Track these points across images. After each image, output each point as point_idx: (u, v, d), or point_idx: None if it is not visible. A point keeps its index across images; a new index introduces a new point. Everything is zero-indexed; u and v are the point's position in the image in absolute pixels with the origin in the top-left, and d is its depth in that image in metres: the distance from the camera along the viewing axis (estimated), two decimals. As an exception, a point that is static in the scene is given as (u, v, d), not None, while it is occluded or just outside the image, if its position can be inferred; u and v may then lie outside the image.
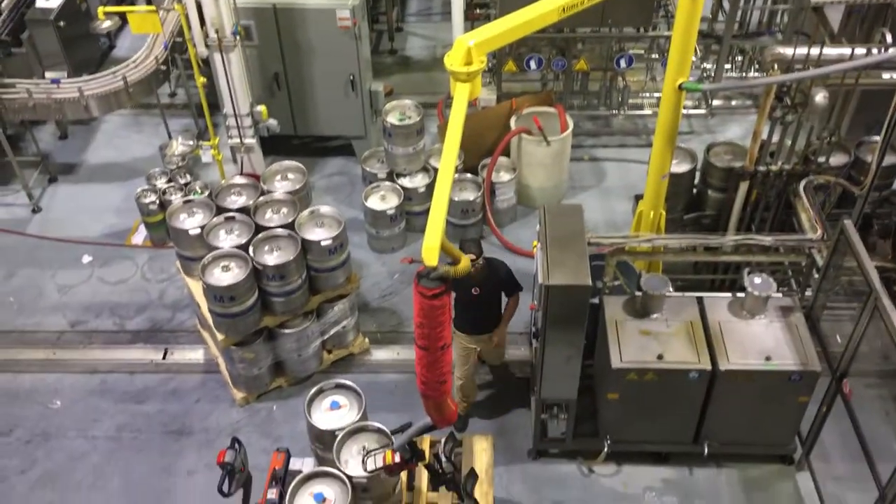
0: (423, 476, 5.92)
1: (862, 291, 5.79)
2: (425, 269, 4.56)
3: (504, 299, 6.81)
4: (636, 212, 7.23)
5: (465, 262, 4.82)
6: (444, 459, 5.46)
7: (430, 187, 9.02)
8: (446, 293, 4.60)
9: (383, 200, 8.87)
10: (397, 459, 5.17)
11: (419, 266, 4.61)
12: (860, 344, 5.91)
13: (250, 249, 6.90)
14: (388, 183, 8.98)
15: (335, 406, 5.73)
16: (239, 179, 7.75)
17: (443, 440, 5.52)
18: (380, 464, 5.18)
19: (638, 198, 7.84)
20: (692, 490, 6.82)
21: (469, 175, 9.11)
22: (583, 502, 6.74)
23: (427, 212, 9.62)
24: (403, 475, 5.83)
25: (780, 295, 6.64)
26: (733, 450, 6.87)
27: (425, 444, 5.64)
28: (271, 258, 6.91)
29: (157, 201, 8.61)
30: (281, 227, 7.07)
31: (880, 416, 6.96)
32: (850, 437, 6.03)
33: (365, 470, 5.26)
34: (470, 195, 8.92)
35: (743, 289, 6.55)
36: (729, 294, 6.77)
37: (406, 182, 9.02)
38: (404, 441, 5.25)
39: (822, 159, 7.18)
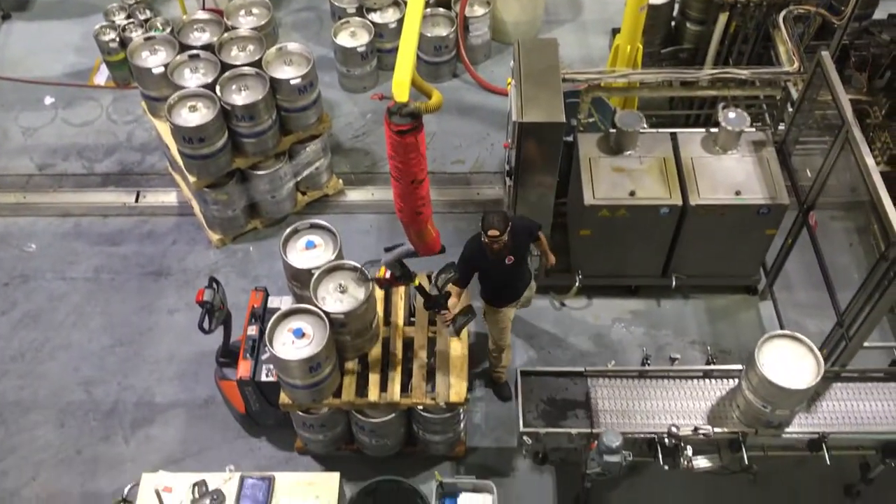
0: (399, 312, 6.09)
1: (834, 125, 5.80)
2: (395, 105, 4.47)
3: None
4: (613, 46, 7.07)
5: (438, 97, 4.69)
6: (435, 285, 5.53)
7: (402, 23, 8.70)
8: (417, 130, 4.53)
9: (353, 37, 8.59)
10: (388, 275, 5.31)
11: (390, 102, 4.52)
12: (829, 177, 5.98)
13: (217, 89, 6.72)
14: (357, 18, 8.66)
15: (310, 245, 5.78)
16: (201, 15, 7.44)
17: (436, 271, 5.58)
18: (373, 276, 5.34)
19: (615, 31, 7.65)
20: (659, 320, 7.09)
21: (442, 9, 8.79)
22: (555, 335, 7.00)
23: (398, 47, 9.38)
24: (381, 310, 5.99)
25: (753, 130, 6.64)
26: (700, 282, 7.09)
27: (424, 278, 5.71)
28: (239, 98, 6.74)
29: (118, 39, 8.28)
30: (248, 65, 6.86)
31: (844, 246, 7.18)
32: (813, 267, 6.22)
33: (363, 279, 5.40)
34: (443, 31, 8.65)
35: (717, 124, 6.54)
36: (703, 130, 6.77)
37: (377, 17, 8.70)
38: (391, 259, 5.32)
39: (803, -12, 6.99)
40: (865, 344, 5.60)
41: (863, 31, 7.23)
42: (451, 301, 5.59)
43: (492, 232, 5.33)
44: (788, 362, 5.02)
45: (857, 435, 5.46)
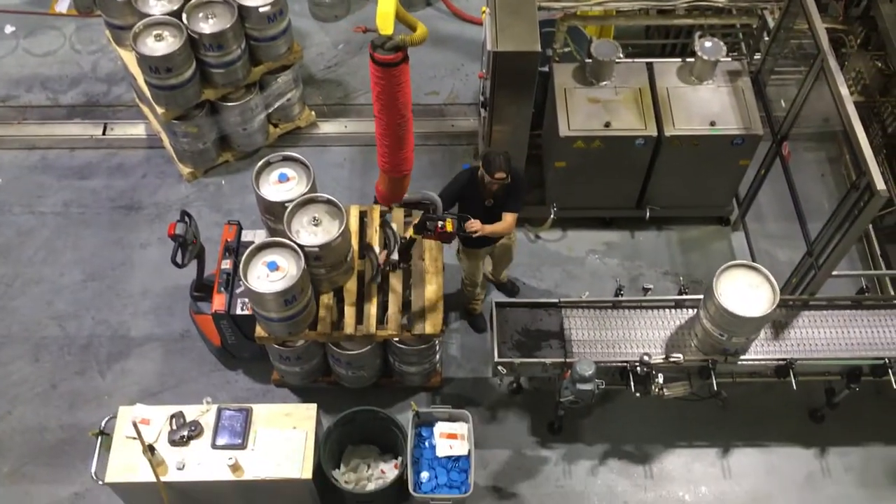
0: (375, 245, 6.06)
1: (810, 54, 5.77)
2: (380, 38, 4.34)
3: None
4: (589, -27, 6.93)
5: (422, 29, 4.56)
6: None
7: (374, -52, 8.47)
8: (403, 62, 4.42)
9: (324, -37, 8.35)
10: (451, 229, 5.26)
11: (373, 35, 4.40)
12: (803, 107, 5.99)
13: (183, 17, 6.53)
14: (328, -57, 8.41)
15: (283, 178, 5.71)
16: (165, -62, 7.16)
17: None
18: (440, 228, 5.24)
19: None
20: (633, 251, 7.15)
21: (415, -66, 8.55)
22: (530, 266, 7.04)
23: (371, -26, 9.06)
24: (356, 244, 5.97)
25: (729, 59, 6.60)
26: (674, 213, 7.13)
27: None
28: (207, 26, 6.56)
29: (78, -36, 7.98)
30: (215, -9, 6.67)
31: (816, 177, 7.24)
32: (785, 198, 6.28)
33: (423, 231, 5.30)
34: (416, -44, 8.44)
35: (693, 54, 6.49)
36: (679, 59, 6.72)
37: (347, -58, 8.45)
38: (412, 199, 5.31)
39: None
40: (834, 273, 5.69)
41: (841, -43, 7.14)
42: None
43: (499, 175, 5.31)
44: (745, 291, 5.11)
45: (823, 361, 5.61)
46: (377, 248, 5.78)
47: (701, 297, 5.37)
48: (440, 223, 5.29)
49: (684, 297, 5.71)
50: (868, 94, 6.83)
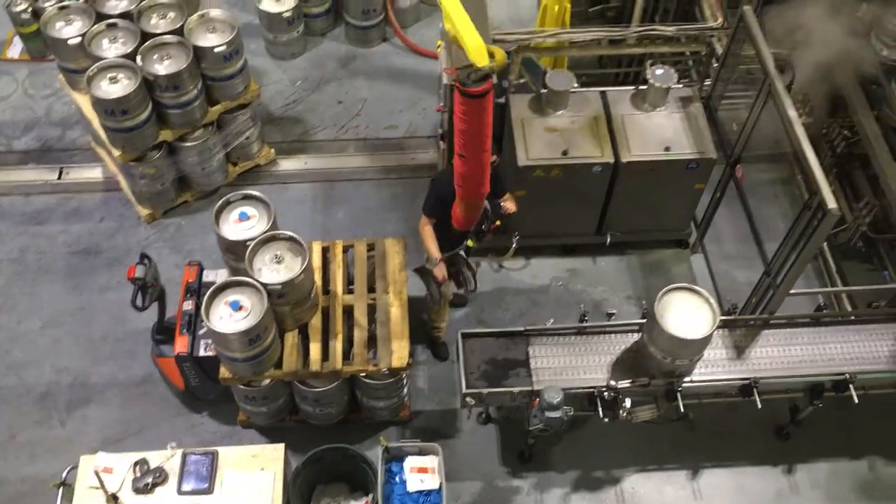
0: (338, 280, 6.04)
1: (758, 78, 5.92)
2: (464, 72, 4.42)
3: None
4: (541, 6, 7.07)
5: (501, 53, 4.63)
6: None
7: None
8: (491, 90, 4.54)
9: (278, 2, 8.38)
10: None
11: (453, 76, 4.51)
12: (753, 130, 6.12)
13: (138, 59, 6.51)
14: (282, -17, 8.45)
15: (244, 217, 5.67)
16: (118, -18, 7.16)
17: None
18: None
19: (542, -9, 7.61)
20: (595, 277, 7.21)
21: (368, -28, 8.64)
22: (494, 296, 7.05)
23: (326, 12, 9.22)
24: (319, 280, 5.94)
25: (680, 86, 6.75)
26: (634, 238, 7.22)
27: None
28: (162, 67, 6.54)
29: (30, 9, 7.90)
30: (169, 33, 6.66)
31: (770, 198, 7.41)
32: (742, 219, 6.40)
33: (480, 235, 5.79)
34: (370, -7, 8.51)
35: (645, 81, 6.62)
36: (632, 87, 6.84)
37: (301, -19, 8.51)
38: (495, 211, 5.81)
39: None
40: (792, 291, 5.79)
41: (783, -15, 7.37)
42: (426, 230, 5.75)
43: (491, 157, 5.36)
44: (686, 314, 5.17)
45: (786, 379, 5.68)
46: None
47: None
48: (489, 224, 5.86)
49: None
50: (816, 115, 7.02)
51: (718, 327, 5.79)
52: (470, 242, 5.92)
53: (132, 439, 6.26)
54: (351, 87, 8.48)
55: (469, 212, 5.45)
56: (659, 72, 6.53)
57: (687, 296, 5.26)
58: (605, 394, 5.43)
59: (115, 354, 6.69)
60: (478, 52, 4.38)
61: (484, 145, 4.84)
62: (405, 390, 6.17)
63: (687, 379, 5.52)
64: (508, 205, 5.94)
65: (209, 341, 5.77)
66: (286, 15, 8.29)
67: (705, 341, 5.23)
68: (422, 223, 5.76)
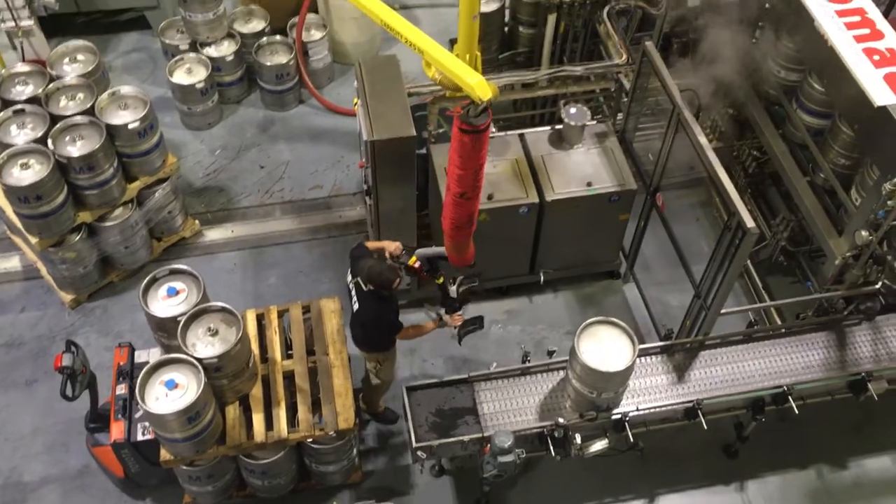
0: (276, 346, 5.94)
1: (667, 109, 6.13)
2: (465, 108, 4.57)
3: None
4: (452, 56, 7.19)
5: (494, 85, 4.67)
6: (454, 288, 5.79)
7: (239, 55, 8.56)
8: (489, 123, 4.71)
9: (190, 74, 8.35)
10: (417, 265, 5.69)
11: (455, 111, 4.67)
12: (668, 158, 6.31)
13: (49, 142, 6.38)
14: (192, 54, 8.43)
15: (172, 292, 5.56)
16: (22, 67, 7.09)
17: (460, 277, 5.83)
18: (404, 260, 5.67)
19: (452, 42, 7.76)
20: (533, 316, 7.26)
21: (278, 37, 8.69)
22: (435, 345, 7.01)
23: (239, 80, 9.18)
24: (256, 349, 5.83)
25: (594, 122, 6.93)
26: (566, 273, 7.31)
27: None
28: (75, 149, 6.42)
29: (-69, 101, 7.69)
30: (80, 114, 6.56)
31: (692, 222, 7.62)
32: (667, 245, 6.55)
33: (397, 259, 5.65)
34: (283, 58, 8.56)
35: (561, 121, 6.78)
36: (548, 127, 7.00)
37: (212, 51, 8.50)
38: (426, 254, 5.72)
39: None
40: (723, 311, 5.93)
41: (680, 18, 7.67)
42: (409, 333, 5.78)
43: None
44: (606, 347, 5.24)
45: (727, 397, 5.78)
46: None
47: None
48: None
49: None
50: (726, 139, 7.29)
51: (656, 353, 5.91)
52: (440, 280, 5.85)
53: (73, 536, 5.99)
54: (272, 151, 8.46)
55: (455, 248, 5.56)
56: (573, 111, 6.71)
57: (606, 329, 5.33)
58: (555, 432, 5.43)
59: (48, 449, 6.41)
60: (481, 86, 4.50)
61: (479, 171, 5.01)
62: (355, 451, 6.06)
63: (633, 408, 5.57)
64: (457, 318, 5.81)
65: (146, 424, 5.59)
66: (199, 86, 8.25)
67: (627, 372, 5.29)
68: (399, 337, 5.78)
